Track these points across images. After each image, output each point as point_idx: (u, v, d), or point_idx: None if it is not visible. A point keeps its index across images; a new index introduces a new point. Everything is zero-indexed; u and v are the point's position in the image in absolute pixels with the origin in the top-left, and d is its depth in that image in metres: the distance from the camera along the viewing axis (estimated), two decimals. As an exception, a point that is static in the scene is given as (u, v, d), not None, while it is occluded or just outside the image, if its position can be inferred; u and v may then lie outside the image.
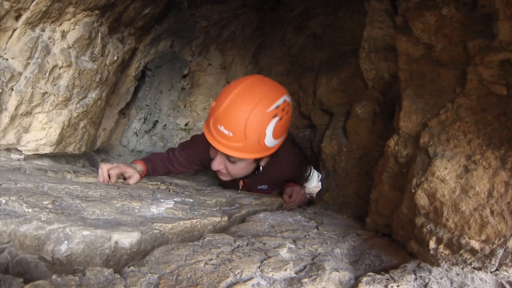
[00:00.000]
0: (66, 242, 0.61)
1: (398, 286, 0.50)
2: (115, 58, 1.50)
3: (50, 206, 0.73)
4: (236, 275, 0.47)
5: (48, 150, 1.28)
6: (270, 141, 1.21)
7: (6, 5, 0.98)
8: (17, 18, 1.05)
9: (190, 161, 1.50)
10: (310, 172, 2.07)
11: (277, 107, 1.18)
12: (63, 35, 1.22)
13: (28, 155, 1.27)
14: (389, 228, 0.80)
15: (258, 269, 0.50)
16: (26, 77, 1.10)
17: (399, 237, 0.74)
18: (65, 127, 1.29)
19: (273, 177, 1.53)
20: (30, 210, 0.68)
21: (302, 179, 1.84)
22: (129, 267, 0.48)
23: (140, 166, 1.33)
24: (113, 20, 1.44)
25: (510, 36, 0.60)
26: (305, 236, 0.75)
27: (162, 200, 0.98)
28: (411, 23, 0.85)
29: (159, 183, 1.31)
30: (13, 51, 1.08)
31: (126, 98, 1.92)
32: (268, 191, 1.60)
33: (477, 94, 0.66)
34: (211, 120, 1.22)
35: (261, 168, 1.38)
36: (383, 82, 1.12)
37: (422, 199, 0.65)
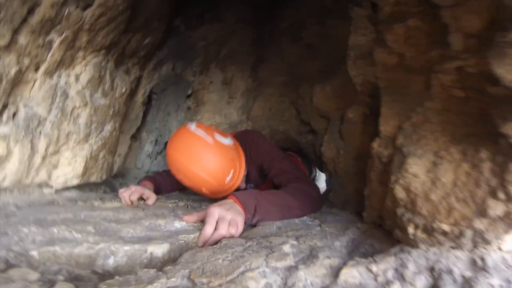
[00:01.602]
0: (112, 256, 0.79)
1: (377, 265, 0.65)
2: (124, 90, 1.70)
3: (93, 230, 0.92)
4: (246, 266, 0.64)
5: (75, 182, 1.48)
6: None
7: (26, 61, 1.18)
8: (36, 70, 1.25)
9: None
10: (316, 173, 2.22)
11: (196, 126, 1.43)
12: (77, 78, 1.42)
13: (57, 188, 1.48)
14: (381, 219, 0.95)
15: (264, 261, 0.66)
16: (50, 121, 1.31)
17: (387, 227, 0.89)
18: (88, 160, 1.49)
19: (249, 168, 1.62)
20: (79, 235, 0.87)
21: (286, 166, 1.56)
22: (167, 267, 0.66)
23: (149, 186, 1.55)
24: (118, 55, 1.64)
25: (461, 46, 0.74)
26: (307, 234, 0.91)
27: (182, 216, 1.16)
28: (384, 35, 1.00)
29: (176, 200, 1.50)
30: (37, 99, 1.29)
31: (136, 123, 2.12)
32: (259, 188, 1.67)
33: (440, 97, 0.81)
34: (218, 186, 1.43)
35: None
36: (371, 86, 1.27)
37: (400, 193, 0.79)
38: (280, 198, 1.21)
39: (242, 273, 0.61)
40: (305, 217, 1.14)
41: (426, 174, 0.77)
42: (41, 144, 1.29)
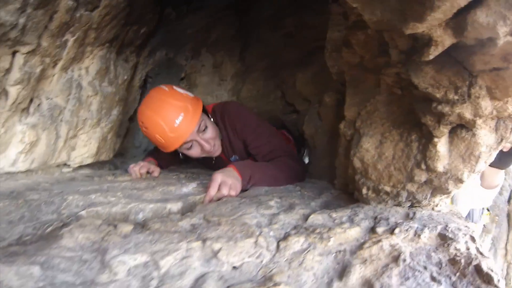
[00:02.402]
0: (141, 212, 1.09)
1: (336, 213, 0.98)
2: (125, 77, 1.94)
3: (121, 195, 1.22)
4: (243, 212, 0.97)
5: (89, 161, 1.76)
6: (190, 94, 1.69)
7: (47, 60, 1.42)
8: (54, 66, 1.49)
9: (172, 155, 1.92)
10: (304, 152, 2.54)
11: (165, 86, 1.67)
12: (87, 70, 1.66)
13: (74, 167, 1.76)
14: (347, 185, 1.28)
15: (255, 210, 0.99)
16: (69, 109, 1.56)
17: (350, 190, 1.22)
18: (100, 141, 1.76)
19: (232, 140, 1.81)
20: (112, 199, 1.16)
21: (271, 143, 1.73)
22: (186, 214, 0.98)
23: (153, 162, 1.88)
24: (118, 46, 1.87)
25: (397, 58, 1.02)
26: (288, 195, 1.24)
27: (187, 184, 1.47)
28: (349, 38, 1.28)
29: (178, 173, 1.81)
30: (55, 91, 1.53)
31: (134, 106, 2.36)
32: (238, 159, 1.87)
33: (386, 93, 1.11)
34: (170, 133, 1.58)
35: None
36: (344, 76, 1.56)
37: (357, 163, 1.11)
38: (270, 170, 1.52)
39: (240, 215, 0.94)
40: (288, 185, 1.47)
41: (375, 149, 1.08)
42: (63, 130, 1.55)
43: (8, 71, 1.29)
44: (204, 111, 1.74)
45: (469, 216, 2.60)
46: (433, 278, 0.67)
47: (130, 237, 0.78)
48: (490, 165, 1.79)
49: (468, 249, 0.76)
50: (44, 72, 1.43)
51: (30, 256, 0.71)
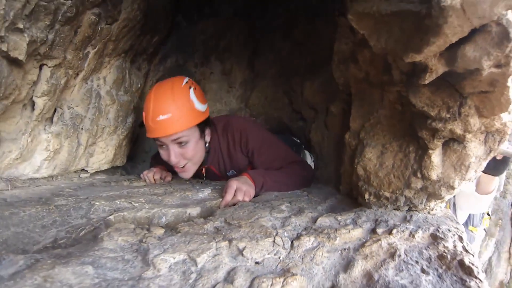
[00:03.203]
0: (164, 217, 1.24)
1: (341, 216, 1.13)
2: (139, 85, 2.10)
3: (143, 201, 1.37)
4: (258, 215, 1.12)
5: (106, 167, 1.92)
6: (199, 105, 1.70)
7: (71, 72, 1.57)
8: (75, 77, 1.64)
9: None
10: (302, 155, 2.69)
11: (187, 82, 1.70)
12: (105, 80, 1.82)
13: (91, 173, 1.91)
14: (351, 191, 1.43)
15: (269, 214, 1.15)
16: (89, 118, 1.72)
17: (354, 195, 1.37)
18: (116, 148, 1.91)
19: (233, 155, 1.86)
20: (137, 204, 1.31)
21: (276, 152, 1.82)
22: (209, 218, 1.13)
23: (163, 168, 1.99)
24: (133, 55, 2.03)
25: (398, 78, 1.17)
26: (297, 200, 1.40)
27: (202, 189, 1.62)
28: (356, 55, 1.43)
29: (189, 179, 1.96)
30: (76, 101, 1.68)
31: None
32: (236, 175, 1.87)
33: (388, 107, 1.26)
34: (150, 122, 1.65)
35: (207, 142, 1.81)
36: (349, 87, 1.71)
37: (360, 171, 1.26)
38: (280, 177, 1.66)
39: (257, 218, 1.10)
40: (296, 190, 1.63)
41: (376, 159, 1.23)
42: (83, 138, 1.70)
43: (35, 83, 1.43)
44: (203, 129, 1.77)
45: (470, 221, 2.76)
46: (423, 270, 0.82)
47: (165, 239, 0.94)
48: (485, 172, 1.96)
49: (455, 247, 0.91)
50: (67, 83, 1.58)
51: (79, 257, 0.85)
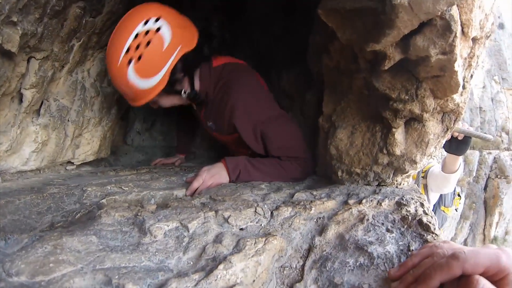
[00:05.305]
0: (153, 198, 1.35)
1: (316, 191, 1.28)
2: (121, 78, 2.18)
3: (132, 185, 1.47)
4: (240, 192, 1.26)
5: (91, 158, 2.00)
6: (144, 82, 1.52)
7: (57, 64, 1.65)
8: (60, 70, 1.72)
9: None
10: None
11: (126, 53, 1.46)
12: (89, 72, 1.90)
13: (77, 165, 2.00)
14: (326, 171, 1.59)
15: (250, 191, 1.29)
16: (75, 110, 1.80)
17: (329, 174, 1.53)
18: (102, 139, 2.00)
19: (217, 110, 1.79)
20: (126, 188, 1.42)
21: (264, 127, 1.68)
22: (195, 195, 1.27)
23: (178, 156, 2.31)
24: (115, 49, 2.11)
25: (364, 66, 1.32)
26: (276, 181, 1.55)
27: (186, 175, 1.73)
28: (329, 46, 1.58)
29: (174, 167, 2.09)
30: (62, 93, 1.76)
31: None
32: (217, 133, 1.92)
33: (356, 92, 1.41)
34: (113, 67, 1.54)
35: (185, 91, 1.72)
36: (323, 75, 1.86)
37: (333, 151, 1.42)
38: (266, 168, 1.61)
39: (239, 195, 1.24)
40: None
41: (347, 139, 1.39)
42: (70, 129, 1.79)
43: (23, 75, 1.49)
44: (168, 91, 1.64)
45: (441, 201, 2.99)
46: (387, 230, 0.98)
47: (158, 212, 1.06)
48: (448, 152, 2.16)
49: (416, 211, 1.07)
50: (54, 76, 1.66)
51: (82, 230, 0.97)
